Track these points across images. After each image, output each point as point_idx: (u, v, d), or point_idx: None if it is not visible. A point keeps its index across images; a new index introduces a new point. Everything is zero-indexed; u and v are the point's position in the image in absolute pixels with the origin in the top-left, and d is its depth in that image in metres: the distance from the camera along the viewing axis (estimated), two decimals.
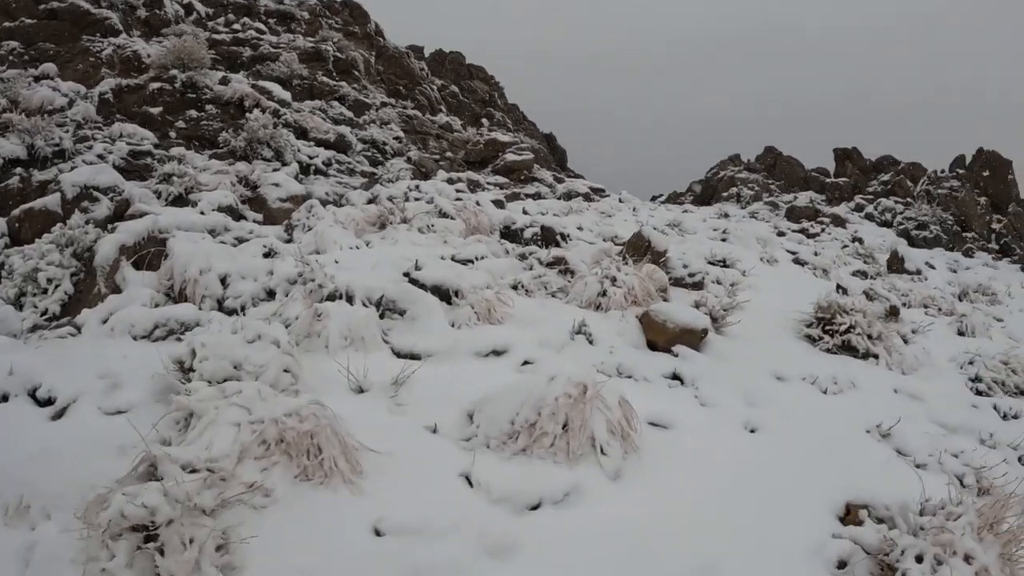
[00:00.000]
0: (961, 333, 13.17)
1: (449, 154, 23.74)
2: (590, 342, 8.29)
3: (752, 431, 6.94)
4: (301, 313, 7.59)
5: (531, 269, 11.00)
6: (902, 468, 6.75)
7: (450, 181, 18.83)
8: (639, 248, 11.62)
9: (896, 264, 19.34)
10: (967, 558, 4.88)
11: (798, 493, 5.77)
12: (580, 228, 15.26)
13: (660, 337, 8.67)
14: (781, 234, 21.95)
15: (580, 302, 9.63)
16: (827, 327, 10.26)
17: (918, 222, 27.78)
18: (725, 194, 32.78)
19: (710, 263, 14.10)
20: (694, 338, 8.76)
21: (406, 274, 9.25)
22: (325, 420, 5.04)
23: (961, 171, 30.84)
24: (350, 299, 8.19)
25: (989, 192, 30.92)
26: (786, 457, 6.40)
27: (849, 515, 5.64)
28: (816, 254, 19.17)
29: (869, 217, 28.75)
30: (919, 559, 4.97)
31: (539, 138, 40.15)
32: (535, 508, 5.08)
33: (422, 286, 8.78)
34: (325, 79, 25.01)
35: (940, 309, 14.89)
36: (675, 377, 7.93)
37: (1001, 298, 19.79)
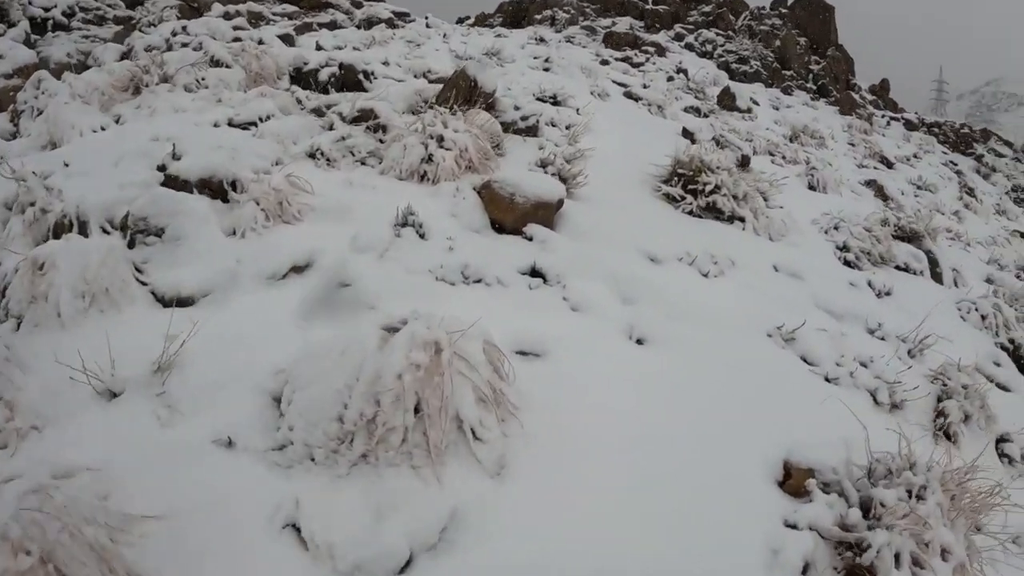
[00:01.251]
0: (812, 188, 12.10)
1: None
2: (421, 236, 6.13)
3: (639, 342, 5.26)
4: (20, 266, 4.83)
5: (331, 128, 8.47)
6: (823, 391, 5.37)
7: (227, 16, 15.69)
8: (463, 90, 9.43)
9: (727, 100, 18.17)
10: (943, 553, 3.83)
11: (726, 452, 4.19)
12: (386, 63, 12.84)
13: (508, 216, 6.69)
14: (605, 63, 20.21)
15: (399, 172, 7.34)
16: (689, 185, 8.67)
17: (739, 56, 26.90)
18: (538, 16, 30.60)
19: (540, 100, 12.17)
20: (548, 212, 6.87)
21: (162, 167, 6.58)
22: None
23: (784, 10, 30.08)
24: (84, 226, 5.62)
25: (809, 33, 30.49)
26: (691, 387, 4.78)
27: (790, 479, 4.17)
28: (646, 87, 17.61)
29: (689, 47, 27.53)
30: (896, 559, 3.74)
31: None
32: (404, 571, 3.23)
33: (184, 184, 6.18)
34: None
35: (784, 157, 13.78)
36: (535, 273, 6.06)
37: (827, 142, 19.27)
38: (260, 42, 13.54)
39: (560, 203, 7.00)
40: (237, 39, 12.94)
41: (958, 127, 29.68)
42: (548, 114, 10.98)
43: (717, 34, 28.04)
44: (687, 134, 12.07)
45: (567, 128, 10.80)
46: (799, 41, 29.71)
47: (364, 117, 8.52)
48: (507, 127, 9.73)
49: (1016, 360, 8.35)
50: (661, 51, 24.49)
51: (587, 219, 7.22)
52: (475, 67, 9.55)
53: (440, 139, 7.48)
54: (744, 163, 11.22)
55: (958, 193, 20.97)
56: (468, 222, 6.57)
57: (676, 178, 8.78)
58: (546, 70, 16.27)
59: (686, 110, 16.13)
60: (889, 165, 20.65)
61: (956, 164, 25.69)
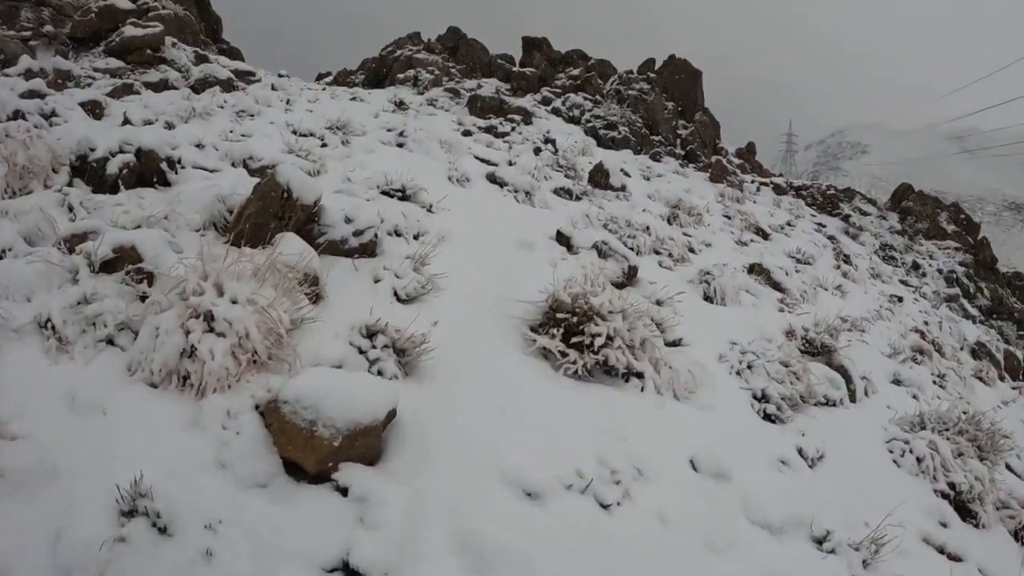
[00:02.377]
0: (708, 298, 10.05)
1: (50, 28, 16.81)
2: (162, 530, 3.56)
3: None
4: None
5: (75, 279, 5.70)
6: None
7: (28, 74, 12.66)
8: (274, 203, 6.92)
9: (600, 178, 16.14)
10: None
11: None
12: (200, 146, 10.25)
13: (309, 456, 4.17)
14: (467, 133, 17.97)
15: (150, 372, 4.71)
16: (573, 337, 6.38)
17: (607, 121, 25.17)
18: (401, 76, 28.23)
19: (386, 192, 9.80)
20: (372, 439, 4.41)
21: None
22: None
23: (652, 75, 28.62)
24: None
25: (677, 97, 29.18)
26: None
27: None
28: (512, 163, 15.46)
29: (556, 112, 25.65)
30: None
31: (188, 2, 32.86)
32: None
33: None
34: None
35: (672, 255, 11.74)
36: (347, 570, 3.58)
37: (704, 217, 17.56)
38: (52, 114, 10.74)
39: (391, 415, 4.56)
40: (15, 113, 10.11)
41: (824, 188, 28.79)
42: (393, 218, 8.61)
43: (585, 98, 26.25)
44: (562, 239, 9.82)
45: (415, 237, 8.45)
46: (667, 106, 28.30)
47: (121, 260, 5.84)
48: (336, 248, 7.33)
49: (958, 508, 7.14)
50: (527, 117, 22.47)
51: (432, 425, 4.82)
52: (289, 172, 7.05)
53: (209, 317, 4.89)
54: (631, 275, 9.19)
55: (834, 261, 19.67)
56: (246, 474, 4.06)
57: (554, 324, 6.46)
58: (400, 145, 13.91)
59: (557, 192, 14.00)
60: (765, 236, 19.16)
61: (825, 226, 24.66)
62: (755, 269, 13.58)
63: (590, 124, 24.94)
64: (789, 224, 22.25)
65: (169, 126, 11.28)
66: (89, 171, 8.68)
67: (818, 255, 18.74)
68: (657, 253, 11.55)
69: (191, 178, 9.28)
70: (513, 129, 19.92)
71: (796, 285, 13.90)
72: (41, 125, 10.10)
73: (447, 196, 10.22)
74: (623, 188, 16.22)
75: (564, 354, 6.22)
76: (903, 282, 21.61)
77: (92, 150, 8.84)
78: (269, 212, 6.90)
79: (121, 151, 8.93)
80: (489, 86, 26.31)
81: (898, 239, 26.32)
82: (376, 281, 6.88)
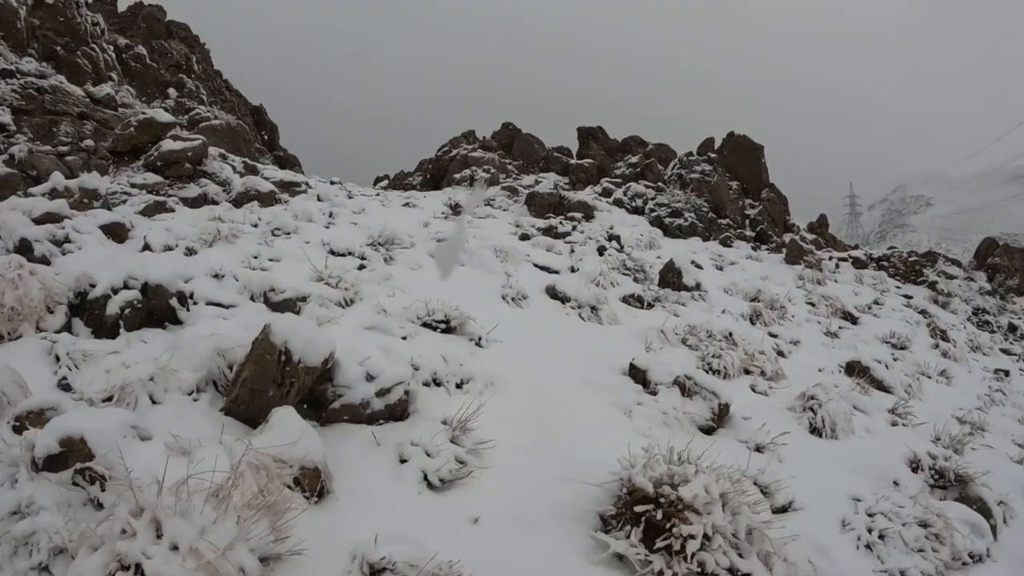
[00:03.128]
0: (816, 431, 8.24)
1: (89, 142, 16.07)
2: None
3: None
4: None
5: (15, 478, 4.26)
6: None
7: (52, 194, 11.73)
8: (269, 369, 5.47)
9: (672, 278, 14.51)
10: None
11: None
12: (219, 275, 8.98)
13: None
14: (525, 237, 16.58)
15: None
16: (655, 533, 4.70)
17: (672, 209, 23.64)
18: (457, 176, 27.27)
19: (427, 325, 8.35)
20: None
21: None
22: None
23: (712, 154, 27.07)
24: None
25: (740, 176, 27.53)
26: None
27: None
28: (574, 269, 13.97)
29: (618, 203, 24.22)
30: None
31: (243, 111, 32.72)
32: None
33: None
34: None
35: (764, 373, 9.96)
36: None
37: (788, 309, 15.77)
38: (64, 241, 9.64)
39: None
40: (21, 243, 9.00)
41: (905, 256, 26.64)
42: (431, 362, 7.10)
43: (647, 186, 24.81)
44: (637, 375, 8.12)
45: (459, 386, 6.92)
46: (731, 186, 26.69)
47: (72, 453, 4.40)
48: (355, 414, 5.84)
49: None
50: (588, 213, 21.07)
51: None
52: (288, 329, 5.61)
53: (139, 572, 3.33)
54: (722, 415, 7.48)
55: (931, 339, 17.62)
56: None
57: (631, 520, 4.79)
58: None
59: (626, 300, 12.42)
60: (854, 320, 17.32)
61: (911, 297, 22.56)
62: (854, 370, 11.82)
63: (654, 213, 23.45)
64: (876, 303, 20.23)
65: (190, 252, 10.06)
66: (88, 310, 7.47)
67: (912, 335, 16.76)
68: (747, 372, 9.79)
69: (201, 317, 7.97)
70: (574, 228, 18.48)
71: (899, 380, 12.08)
72: (51, 254, 9.00)
73: (499, 324, 8.70)
74: (697, 286, 14.56)
75: (646, 562, 4.54)
76: (1004, 351, 19.35)
77: (92, 286, 7.62)
78: (267, 377, 5.45)
79: (126, 287, 7.72)
80: (547, 182, 25.09)
81: (989, 300, 24.16)
82: (402, 461, 5.32)
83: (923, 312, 20.99)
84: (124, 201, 13.31)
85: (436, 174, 29.27)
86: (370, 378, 6.10)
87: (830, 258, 25.08)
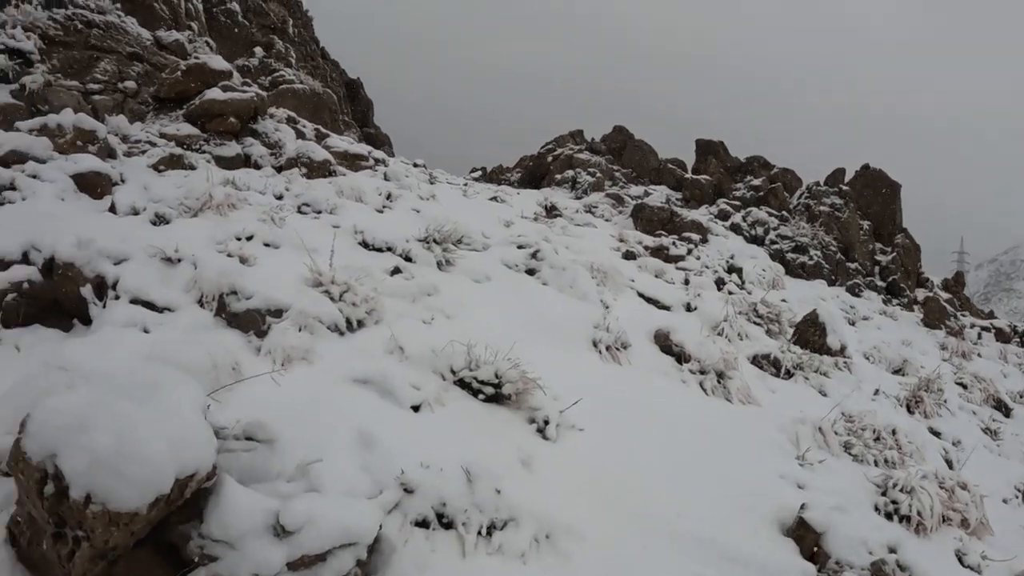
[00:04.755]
0: None
1: (130, 84, 12.76)
2: None
3: None
4: None
5: None
6: None
7: (42, 131, 8.69)
8: (35, 528, 2.07)
9: (814, 336, 10.65)
10: None
11: None
12: (172, 259, 5.69)
13: None
14: (630, 255, 12.84)
15: None
16: None
17: (796, 243, 19.57)
18: (559, 176, 23.69)
19: (464, 383, 4.84)
20: None
21: None
22: None
23: (844, 187, 22.73)
24: None
25: (871, 215, 23.18)
26: None
27: None
28: (690, 307, 10.21)
29: (736, 229, 20.20)
30: None
31: (337, 83, 29.64)
32: None
33: None
34: None
35: (967, 523, 6.12)
36: None
37: (945, 393, 11.79)
38: (8, 187, 6.65)
39: None
40: None
41: None
42: (439, 480, 3.58)
43: (769, 214, 20.71)
44: (804, 541, 4.36)
45: (486, 533, 3.43)
46: (862, 225, 22.41)
47: None
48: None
49: None
50: (703, 234, 17.25)
51: None
52: (69, 424, 2.12)
53: None
54: None
55: None
56: None
57: None
58: (531, 272, 8.98)
59: (757, 362, 8.70)
60: (1007, 411, 13.18)
61: None
62: None
63: (776, 245, 19.41)
64: None
65: (159, 220, 6.78)
66: None
67: None
68: (946, 520, 5.93)
69: (115, 320, 4.69)
70: (689, 252, 14.67)
71: None
72: None
73: (582, 394, 5.12)
74: (842, 350, 10.66)
75: None
76: None
77: None
78: (36, 524, 2.03)
79: (26, 260, 4.54)
80: (658, 194, 21.29)
81: None
82: None
83: None
84: (144, 152, 10.24)
85: (536, 172, 25.74)
86: (281, 532, 2.61)
87: (972, 326, 20.59)
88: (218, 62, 12.66)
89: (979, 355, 17.94)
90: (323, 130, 14.91)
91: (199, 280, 5.33)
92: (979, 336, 20.04)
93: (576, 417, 4.97)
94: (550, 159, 25.49)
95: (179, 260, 5.67)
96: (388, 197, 10.54)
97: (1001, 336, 20.59)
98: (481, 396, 4.85)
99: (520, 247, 9.88)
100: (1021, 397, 14.93)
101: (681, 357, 7.23)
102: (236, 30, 25.12)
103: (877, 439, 7.43)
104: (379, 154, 14.84)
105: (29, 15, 12.12)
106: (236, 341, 4.95)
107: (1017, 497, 8.76)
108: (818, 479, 5.81)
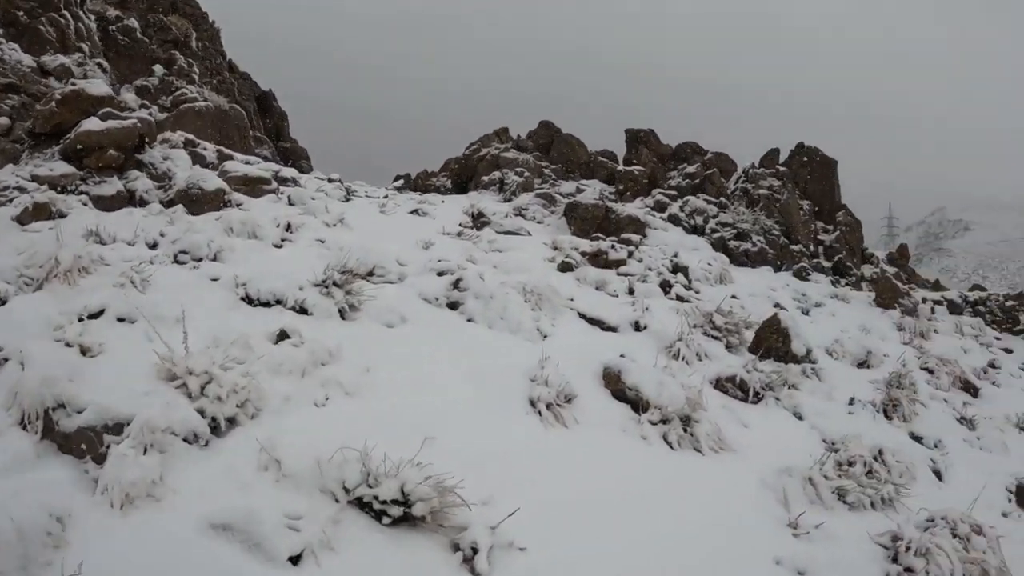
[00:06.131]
0: None
1: (4, 120, 11.08)
2: None
3: None
4: None
5: None
6: None
7: None
8: None
9: (777, 342, 9.57)
10: None
11: None
12: None
13: None
14: (567, 267, 11.61)
15: None
16: None
17: (737, 230, 18.61)
18: (486, 178, 22.37)
19: (365, 504, 3.54)
20: None
21: None
22: None
23: (780, 167, 21.89)
24: None
25: (810, 194, 22.36)
26: None
27: None
28: (639, 326, 9.01)
29: (674, 220, 19.14)
30: None
31: (247, 96, 27.88)
32: None
33: None
34: None
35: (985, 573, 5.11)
36: None
37: (918, 385, 10.93)
38: None
39: None
40: None
41: (1001, 300, 21.13)
42: None
43: (708, 202, 19.69)
44: None
45: None
46: (802, 206, 21.59)
47: None
48: None
49: None
50: (641, 230, 16.12)
51: None
52: None
53: None
54: None
55: None
56: None
57: None
58: (454, 305, 7.72)
59: (721, 386, 7.59)
60: (974, 392, 12.45)
61: (1012, 351, 17.41)
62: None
63: (717, 234, 18.42)
64: (992, 366, 15.13)
65: None
66: None
67: None
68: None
69: None
70: (630, 255, 13.50)
71: None
72: None
73: (520, 483, 3.88)
74: (808, 354, 9.62)
75: None
76: None
77: None
78: None
79: None
80: (591, 190, 20.07)
81: None
82: None
83: None
84: (12, 200, 8.72)
85: (463, 175, 24.39)
86: None
87: (924, 300, 19.91)
88: (97, 86, 11.04)
89: (936, 331, 17.21)
90: (226, 151, 13.38)
91: (20, 392, 3.95)
92: (932, 311, 19.37)
93: (515, 529, 3.73)
94: (476, 160, 24.20)
95: (5, 360, 4.27)
96: (288, 228, 9.12)
97: (954, 308, 19.93)
98: (386, 519, 3.58)
99: (440, 273, 8.60)
100: (984, 373, 14.19)
101: (638, 404, 6.03)
102: (136, 48, 23.27)
103: (868, 472, 6.41)
104: (289, 172, 13.38)
105: None
106: (65, 477, 3.64)
107: (1010, 501, 8.04)
108: (819, 553, 4.70)
